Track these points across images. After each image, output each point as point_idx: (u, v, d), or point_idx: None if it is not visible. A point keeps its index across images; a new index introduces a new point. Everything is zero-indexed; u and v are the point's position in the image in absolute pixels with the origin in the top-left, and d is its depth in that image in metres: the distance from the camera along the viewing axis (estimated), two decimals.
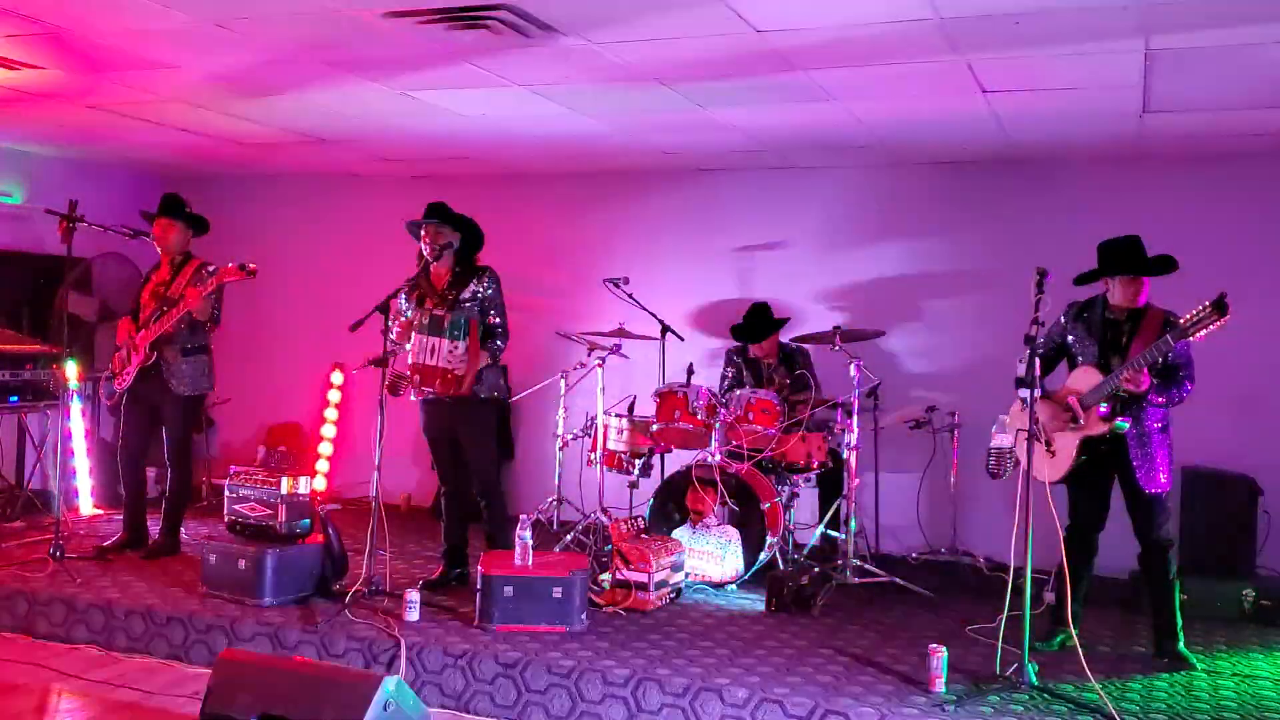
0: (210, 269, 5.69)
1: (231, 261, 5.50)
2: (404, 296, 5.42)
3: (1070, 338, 4.76)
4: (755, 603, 5.41)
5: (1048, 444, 4.57)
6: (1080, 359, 4.70)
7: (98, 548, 5.95)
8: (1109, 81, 4.76)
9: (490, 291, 5.37)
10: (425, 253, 5.30)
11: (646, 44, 4.47)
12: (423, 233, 5.33)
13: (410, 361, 5.29)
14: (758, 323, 6.47)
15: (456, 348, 5.15)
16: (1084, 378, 4.62)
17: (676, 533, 5.78)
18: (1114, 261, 4.59)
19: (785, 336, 6.61)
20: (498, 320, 5.37)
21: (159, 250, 5.98)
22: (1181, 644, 4.69)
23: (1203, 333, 4.20)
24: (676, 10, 4.01)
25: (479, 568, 4.85)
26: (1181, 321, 4.26)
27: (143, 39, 4.63)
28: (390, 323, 5.27)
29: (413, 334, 5.28)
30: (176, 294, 5.75)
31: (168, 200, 5.97)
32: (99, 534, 6.49)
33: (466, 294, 5.33)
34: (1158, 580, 4.70)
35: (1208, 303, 4.16)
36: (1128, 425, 4.47)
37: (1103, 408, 4.49)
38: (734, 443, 5.89)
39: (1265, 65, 4.43)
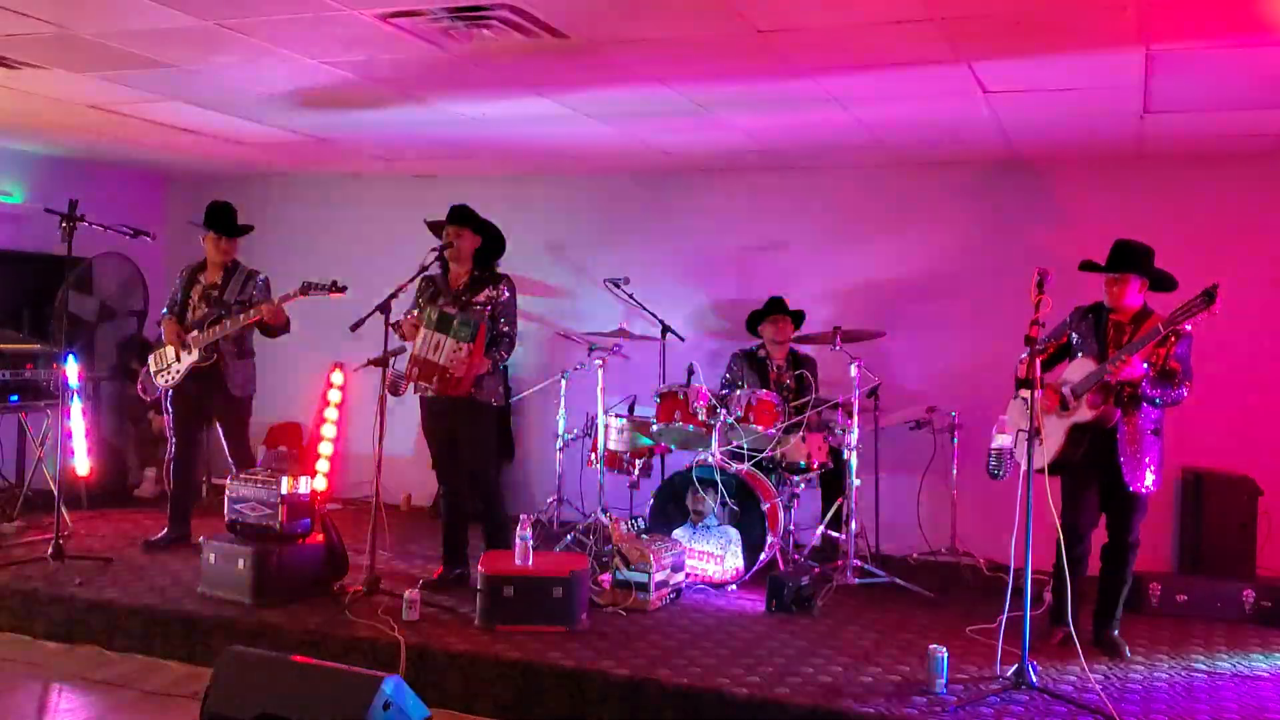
0: (261, 277, 6.07)
1: (321, 277, 5.65)
2: (417, 294, 5.44)
3: (1074, 335, 4.81)
4: (755, 603, 5.41)
5: (1037, 431, 4.59)
6: (1081, 354, 4.75)
7: (146, 542, 6.16)
8: (1109, 82, 4.76)
9: (505, 299, 5.37)
10: (445, 252, 5.32)
11: (647, 44, 4.47)
12: (445, 233, 5.34)
13: (411, 353, 5.28)
14: (780, 303, 6.55)
15: (461, 349, 5.13)
16: (1079, 367, 4.68)
17: (677, 533, 5.78)
18: (1108, 260, 4.72)
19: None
20: (507, 329, 5.37)
21: (210, 256, 6.10)
22: (1116, 631, 4.80)
23: (1191, 322, 4.28)
24: (678, 10, 4.01)
25: (479, 568, 4.85)
26: (1173, 312, 4.32)
27: (143, 39, 4.63)
28: (403, 318, 5.31)
29: (420, 329, 5.27)
30: (233, 299, 5.98)
31: (227, 216, 6.10)
32: (99, 534, 6.49)
33: (481, 298, 5.34)
34: (1114, 575, 4.82)
35: (1199, 294, 4.23)
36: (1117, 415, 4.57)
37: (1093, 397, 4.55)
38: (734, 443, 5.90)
39: (1266, 66, 4.43)
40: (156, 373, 6.10)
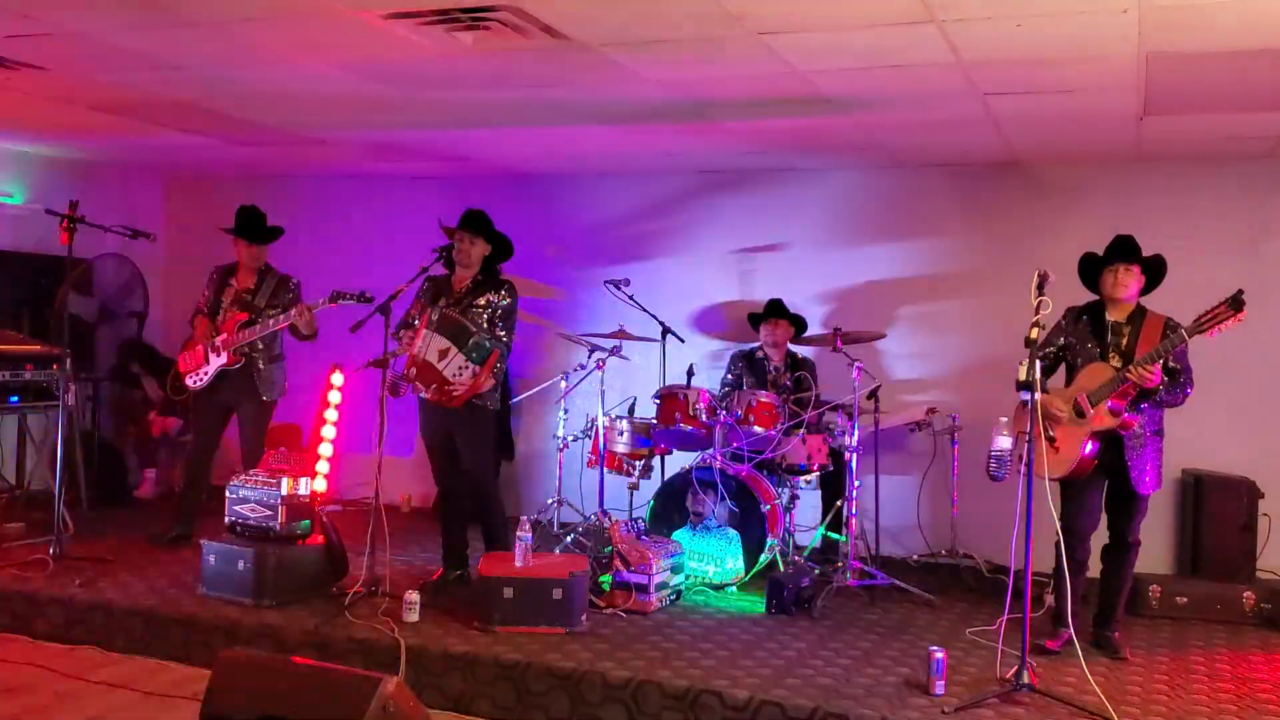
0: (295, 283, 6.12)
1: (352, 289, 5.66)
2: (419, 294, 5.44)
3: (1071, 340, 4.79)
4: (755, 605, 5.41)
5: (1052, 440, 4.58)
6: (1081, 360, 4.73)
7: (152, 535, 6.20)
8: (1108, 84, 4.76)
9: (506, 304, 5.37)
10: (455, 257, 5.33)
11: (647, 46, 4.46)
12: (456, 239, 5.34)
13: (411, 352, 5.26)
14: (778, 306, 6.54)
15: (468, 368, 5.13)
16: (1095, 374, 4.64)
17: (677, 534, 5.77)
18: (1109, 251, 4.72)
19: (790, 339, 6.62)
20: (504, 336, 5.36)
21: (241, 260, 6.15)
22: (1116, 633, 4.81)
23: (1217, 329, 4.24)
24: (678, 12, 4.01)
25: (479, 569, 4.85)
26: (1198, 318, 4.28)
27: (144, 39, 4.62)
28: (407, 326, 5.31)
29: (423, 329, 5.26)
30: (264, 304, 6.04)
31: (256, 222, 6.13)
32: (99, 534, 6.49)
33: (482, 301, 5.33)
34: (1115, 575, 4.82)
35: (1224, 300, 4.19)
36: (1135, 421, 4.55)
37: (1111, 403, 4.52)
38: (735, 444, 5.89)
39: (1264, 67, 4.43)
40: (186, 374, 6.11)
